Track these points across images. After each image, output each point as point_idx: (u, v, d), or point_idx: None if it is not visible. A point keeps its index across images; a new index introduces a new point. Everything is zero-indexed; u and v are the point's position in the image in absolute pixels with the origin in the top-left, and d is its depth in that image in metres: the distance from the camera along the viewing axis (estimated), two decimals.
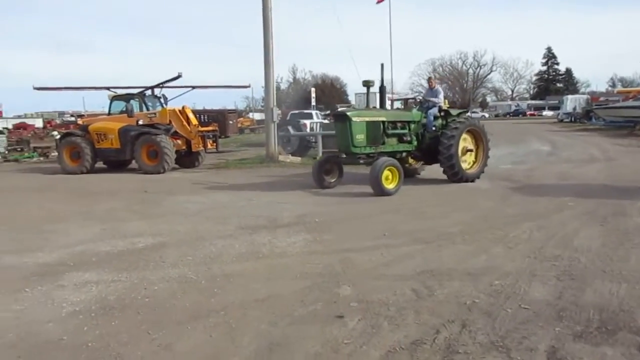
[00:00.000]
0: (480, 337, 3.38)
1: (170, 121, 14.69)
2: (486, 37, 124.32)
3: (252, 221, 7.28)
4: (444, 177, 10.67)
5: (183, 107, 15.09)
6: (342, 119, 9.81)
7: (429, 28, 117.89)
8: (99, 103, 63.86)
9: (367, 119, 9.86)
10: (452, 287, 4.36)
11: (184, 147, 15.10)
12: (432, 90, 11.40)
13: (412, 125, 10.71)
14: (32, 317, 3.79)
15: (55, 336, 3.47)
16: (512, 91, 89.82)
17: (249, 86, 33.26)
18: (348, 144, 9.65)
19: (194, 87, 19.08)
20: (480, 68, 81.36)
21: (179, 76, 15.92)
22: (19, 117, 57.47)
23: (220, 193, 10.32)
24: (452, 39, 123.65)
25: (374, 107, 11.49)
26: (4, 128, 27.16)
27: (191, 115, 15.09)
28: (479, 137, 11.05)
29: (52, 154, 19.43)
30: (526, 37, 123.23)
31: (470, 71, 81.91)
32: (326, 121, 26.47)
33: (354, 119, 9.65)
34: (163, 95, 16.57)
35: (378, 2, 24.84)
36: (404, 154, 10.74)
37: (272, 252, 5.64)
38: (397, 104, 38.08)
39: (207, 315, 3.87)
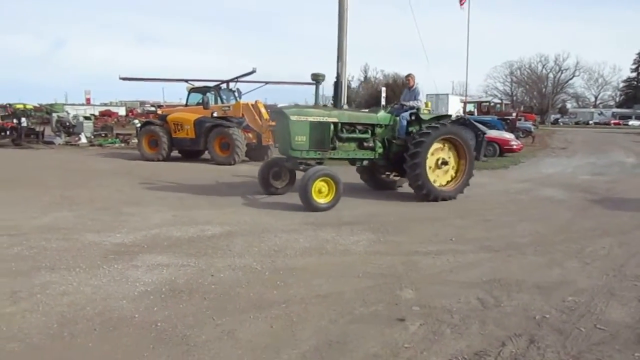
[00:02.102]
0: (549, 355, 3.22)
1: (242, 114, 15.07)
2: (570, 40, 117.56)
3: (316, 217, 7.33)
4: (514, 184, 10.17)
5: (256, 102, 15.42)
6: (280, 117, 8.44)
7: (508, 29, 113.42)
8: (177, 94, 66.73)
9: (310, 118, 8.27)
10: (520, 300, 4.18)
11: (254, 141, 15.45)
12: (410, 91, 9.63)
13: (378, 130, 9.06)
14: (108, 294, 4.03)
15: (128, 313, 3.67)
16: (596, 98, 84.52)
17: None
18: (286, 146, 8.31)
19: (266, 83, 19.49)
20: (562, 72, 77.05)
21: (253, 71, 16.30)
22: (105, 105, 61.35)
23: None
24: (533, 41, 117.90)
25: (326, 105, 9.69)
26: (91, 114, 29.03)
27: (263, 110, 15.38)
28: (461, 149, 9.22)
29: (133, 140, 20.54)
30: (615, 41, 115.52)
31: (551, 75, 77.78)
32: None
33: (292, 117, 8.14)
34: (237, 89, 17.07)
35: (462, 5, 24.22)
36: (365, 162, 9.21)
37: (336, 249, 5.65)
38: (470, 107, 37.08)
39: (269, 306, 3.94)
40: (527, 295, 4.29)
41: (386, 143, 9.11)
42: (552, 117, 72.49)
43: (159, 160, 15.11)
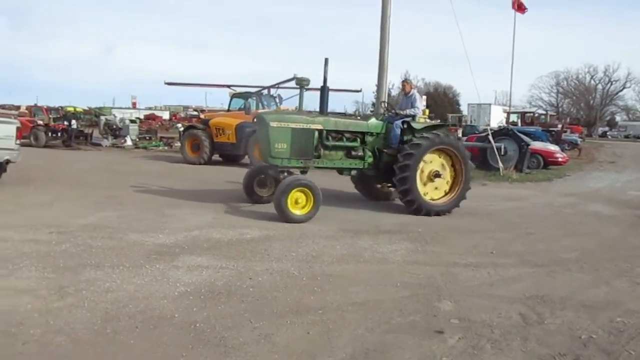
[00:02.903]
0: None
1: None
2: (621, 50, 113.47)
3: (354, 225, 7.31)
4: (559, 197, 9.84)
5: (295, 108, 15.58)
6: (260, 123, 8.08)
7: (555, 38, 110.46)
8: (219, 99, 68.15)
9: (292, 125, 7.81)
10: (565, 318, 4.03)
11: None
12: (407, 97, 9.01)
13: (369, 138, 8.53)
14: (150, 293, 4.12)
15: (168, 313, 3.74)
16: None
17: (360, 91, 33.41)
18: (266, 153, 7.88)
19: (306, 89, 19.64)
20: (612, 84, 74.30)
21: (293, 78, 16.46)
22: (150, 109, 63.12)
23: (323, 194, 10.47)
24: (581, 51, 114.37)
25: (311, 112, 9.13)
26: (136, 118, 29.94)
27: None
28: (457, 161, 8.60)
29: (176, 144, 21.05)
30: None
31: (599, 87, 75.18)
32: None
33: (272, 123, 7.70)
34: (279, 95, 17.24)
35: (523, 12, 23.74)
36: (353, 173, 8.82)
37: (373, 257, 5.61)
38: (513, 117, 36.23)
39: (306, 312, 3.95)
40: (572, 313, 4.14)
41: (376, 152, 8.58)
42: (600, 129, 69.89)
43: (200, 164, 15.41)
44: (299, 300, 4.19)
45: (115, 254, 5.13)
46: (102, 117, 25.48)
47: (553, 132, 26.14)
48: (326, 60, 8.27)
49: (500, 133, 17.01)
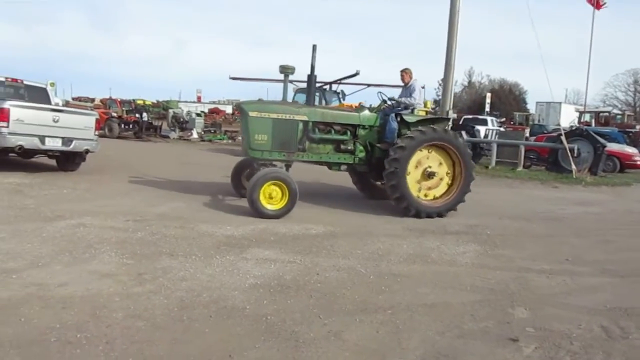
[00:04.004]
0: None
1: None
2: None
3: (419, 224, 7.18)
4: (638, 203, 9.21)
5: (359, 104, 15.51)
6: (241, 114, 7.77)
7: (634, 33, 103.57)
8: (280, 94, 68.88)
9: (273, 115, 7.40)
10: None
11: None
12: (405, 88, 8.42)
13: (361, 131, 7.95)
14: (221, 283, 4.22)
15: (239, 304, 3.82)
16: None
17: (423, 87, 32.80)
18: (246, 145, 7.57)
19: (368, 85, 19.48)
20: None
21: (356, 73, 16.33)
22: (214, 103, 64.95)
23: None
24: None
25: (296, 102, 8.40)
26: (201, 112, 30.91)
27: None
28: (456, 159, 7.87)
29: (239, 137, 21.55)
30: None
31: None
32: (502, 129, 25.06)
33: (251, 113, 7.34)
34: (342, 90, 17.23)
35: (599, 8, 22.61)
36: (343, 168, 8.30)
37: (441, 258, 5.49)
38: (586, 117, 34.36)
39: (374, 310, 3.91)
40: None
41: (369, 147, 7.99)
42: None
43: None
44: (367, 298, 4.16)
45: (187, 243, 5.31)
46: (170, 111, 26.50)
47: (630, 134, 24.59)
48: (314, 46, 7.62)
49: (574, 133, 16.19)
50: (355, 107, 15.46)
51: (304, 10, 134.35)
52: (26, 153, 9.48)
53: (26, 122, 8.76)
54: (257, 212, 6.81)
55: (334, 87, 17.55)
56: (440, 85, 65.60)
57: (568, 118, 35.76)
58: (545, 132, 24.18)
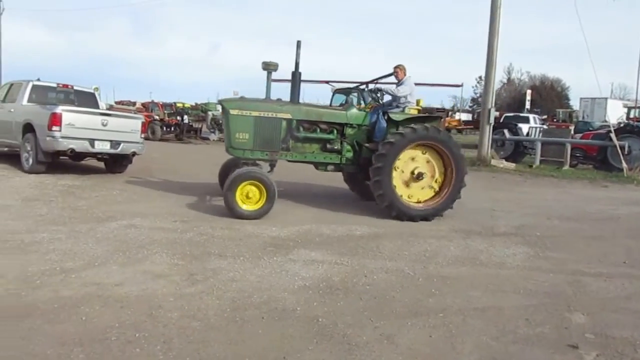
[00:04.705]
0: None
1: None
2: None
3: (465, 225, 7.05)
4: None
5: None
6: (223, 111, 7.53)
7: None
8: (316, 95, 69.26)
9: (254, 113, 7.19)
10: None
11: None
12: (398, 85, 8.06)
13: (349, 130, 7.63)
14: (271, 284, 4.25)
15: (290, 306, 3.84)
16: None
17: (461, 85, 32.42)
18: (227, 143, 7.41)
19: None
20: None
21: (392, 73, 16.24)
22: None
23: None
24: None
25: (279, 99, 8.08)
26: None
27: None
28: (447, 159, 7.39)
29: None
30: None
31: None
32: (545, 126, 24.36)
33: (232, 111, 7.16)
34: (380, 90, 17.11)
35: None
36: (330, 168, 7.83)
37: (490, 260, 5.37)
38: (635, 113, 32.95)
39: (426, 314, 3.85)
40: None
41: (356, 146, 7.67)
42: None
43: None
44: (418, 301, 4.10)
45: (234, 244, 5.37)
46: (209, 113, 26.92)
47: None
48: (298, 42, 7.33)
49: (624, 130, 15.54)
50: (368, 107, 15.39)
51: (338, 10, 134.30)
52: (77, 156, 9.82)
53: (77, 126, 9.08)
54: (233, 212, 6.62)
55: (374, 87, 17.50)
56: (478, 82, 64.49)
57: (615, 114, 34.38)
58: (591, 129, 23.33)
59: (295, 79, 7.48)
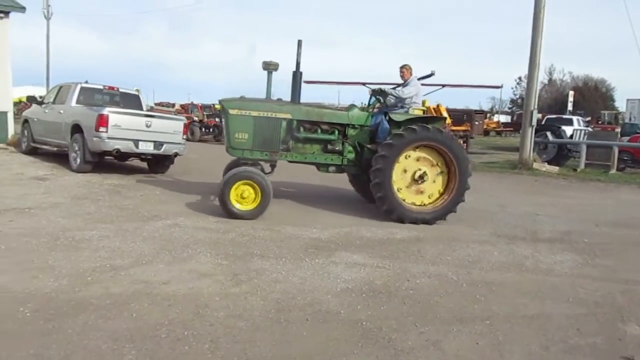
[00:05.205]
0: None
1: None
2: None
3: (509, 230, 6.90)
4: None
5: (438, 105, 15.22)
6: (222, 111, 7.50)
7: None
8: (351, 97, 69.10)
9: (254, 113, 7.13)
10: None
11: None
12: (403, 85, 7.87)
13: (351, 131, 7.49)
14: (314, 286, 4.26)
15: (334, 308, 3.83)
16: None
17: (501, 86, 31.64)
18: (227, 143, 7.36)
19: (443, 86, 19.02)
20: None
21: (431, 74, 16.05)
22: None
23: (469, 195, 10.04)
24: None
25: (280, 99, 7.91)
26: None
27: (445, 114, 15.11)
28: (450, 161, 7.13)
29: None
30: None
31: None
32: (590, 129, 23.58)
33: (231, 111, 7.13)
34: None
35: None
36: (331, 169, 7.63)
37: (537, 267, 5.23)
38: None
39: (471, 320, 3.78)
40: None
41: (358, 147, 7.51)
42: None
43: None
44: (463, 307, 4.03)
45: (276, 245, 5.41)
46: None
47: None
48: (299, 42, 7.20)
49: None
50: (434, 108, 15.20)
51: (375, 11, 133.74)
52: (121, 156, 10.11)
53: (122, 127, 9.34)
54: (227, 212, 6.59)
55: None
56: (518, 83, 62.98)
57: None
58: (639, 131, 22.45)
59: (296, 79, 7.36)
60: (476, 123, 21.50)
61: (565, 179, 13.44)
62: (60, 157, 10.92)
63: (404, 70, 7.88)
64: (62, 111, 10.55)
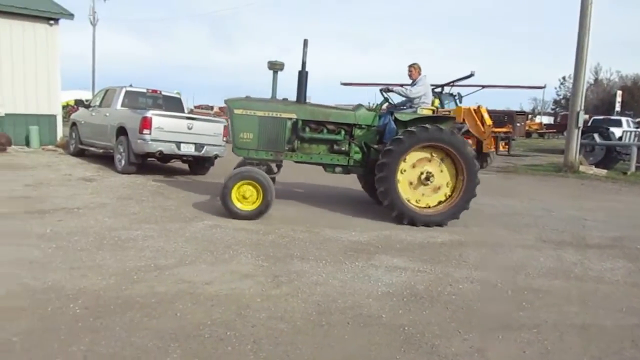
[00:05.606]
0: None
1: (463, 120, 14.68)
2: None
3: (555, 235, 6.68)
4: None
5: (478, 107, 14.91)
6: (228, 111, 7.50)
7: None
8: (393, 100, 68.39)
9: (259, 113, 7.12)
10: None
11: (473, 147, 14.90)
12: (411, 85, 7.70)
13: (357, 132, 7.38)
14: (354, 289, 4.23)
15: (375, 312, 3.79)
16: None
17: (544, 87, 30.80)
18: (232, 143, 7.38)
19: (483, 87, 18.70)
20: None
21: (471, 75, 15.78)
22: None
23: (511, 199, 9.82)
24: None
25: (285, 99, 7.65)
26: None
27: (486, 116, 14.79)
28: (458, 162, 6.91)
29: None
30: None
31: None
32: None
33: (236, 111, 7.13)
34: (458, 93, 16.70)
35: None
36: (338, 170, 7.49)
37: (586, 274, 5.03)
38: None
39: (518, 328, 3.67)
40: None
41: (364, 148, 7.39)
42: None
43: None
44: (508, 314, 3.92)
45: (315, 247, 5.41)
46: None
47: None
48: (305, 41, 7.09)
49: None
50: (474, 110, 14.90)
51: (413, 12, 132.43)
52: (164, 158, 10.36)
53: (165, 130, 9.57)
54: (229, 211, 6.62)
55: (447, 89, 17.06)
56: (562, 83, 61.06)
57: None
58: None
59: (302, 78, 7.27)
60: (518, 124, 20.90)
61: (614, 183, 12.92)
62: (106, 159, 11.28)
63: (412, 69, 7.73)
64: (107, 114, 10.90)
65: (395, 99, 7.81)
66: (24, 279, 3.97)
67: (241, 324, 3.42)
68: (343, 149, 7.40)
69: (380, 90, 7.66)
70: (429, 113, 7.48)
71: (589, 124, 22.33)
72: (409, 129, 6.85)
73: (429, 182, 6.94)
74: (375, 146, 7.28)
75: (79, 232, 5.40)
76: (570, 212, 8.43)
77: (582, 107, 14.08)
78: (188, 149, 9.94)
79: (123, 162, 9.97)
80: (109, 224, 5.86)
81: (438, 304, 4.04)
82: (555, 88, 61.21)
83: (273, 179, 7.84)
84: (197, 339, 3.18)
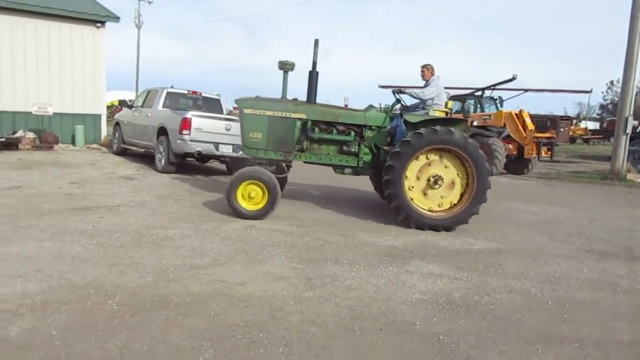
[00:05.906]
0: None
1: (504, 124, 14.35)
2: None
3: (599, 245, 6.41)
4: None
5: (520, 111, 14.53)
6: (238, 110, 7.45)
7: None
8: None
9: (268, 113, 7.11)
10: None
11: (514, 152, 14.55)
12: (426, 86, 7.58)
13: (368, 133, 7.25)
14: (388, 295, 4.17)
15: (409, 319, 3.72)
16: None
17: (590, 91, 29.68)
18: (242, 143, 7.39)
19: (526, 90, 18.20)
20: None
21: (513, 78, 15.38)
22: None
23: (553, 206, 9.50)
24: None
25: (295, 99, 7.57)
26: None
27: (528, 120, 14.40)
28: (469, 165, 6.67)
29: None
30: None
31: None
32: None
33: (246, 110, 7.15)
34: (499, 97, 16.33)
35: None
36: (347, 171, 7.36)
37: (634, 288, 4.80)
38: None
39: (558, 342, 3.53)
40: None
41: (374, 149, 7.26)
42: None
43: None
44: (548, 327, 3.77)
45: (350, 251, 5.37)
46: None
47: None
48: (316, 41, 6.97)
49: None
50: (516, 114, 14.52)
51: (451, 14, 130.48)
52: (202, 158, 10.53)
53: (204, 130, 9.73)
54: (234, 211, 6.63)
55: (488, 93, 16.69)
56: (609, 87, 58.84)
57: None
58: None
59: (312, 79, 7.20)
60: (561, 130, 20.21)
61: None
62: (146, 158, 11.57)
63: (425, 70, 7.64)
64: (149, 114, 11.17)
65: (408, 100, 7.73)
66: (66, 274, 4.09)
67: (273, 326, 3.42)
68: (353, 150, 7.34)
69: (393, 91, 7.55)
70: (442, 115, 7.35)
71: (638, 130, 21.42)
72: (417, 130, 6.72)
73: (437, 185, 6.75)
74: (385, 148, 7.24)
75: (118, 230, 5.54)
76: (617, 222, 8.09)
77: (631, 112, 13.51)
78: (226, 150, 10.07)
79: (163, 161, 10.20)
80: (147, 222, 5.99)
81: (474, 314, 3.93)
82: (602, 92, 59.19)
83: (284, 179, 8.09)
84: (229, 339, 3.19)
